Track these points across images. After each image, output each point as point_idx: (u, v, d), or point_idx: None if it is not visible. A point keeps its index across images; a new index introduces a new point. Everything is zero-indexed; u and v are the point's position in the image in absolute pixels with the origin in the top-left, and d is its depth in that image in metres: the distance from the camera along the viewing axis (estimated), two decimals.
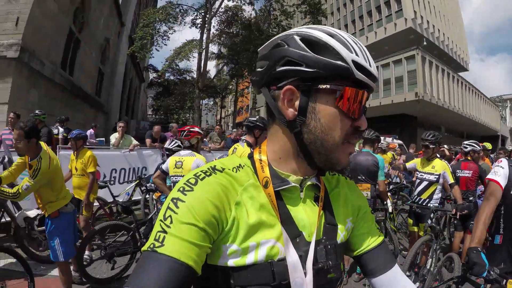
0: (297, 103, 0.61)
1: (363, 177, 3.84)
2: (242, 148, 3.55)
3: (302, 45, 0.59)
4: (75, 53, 12.55)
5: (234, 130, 6.95)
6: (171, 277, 0.50)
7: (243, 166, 0.66)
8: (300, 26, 0.65)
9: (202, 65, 16.40)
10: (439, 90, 26.47)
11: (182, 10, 15.93)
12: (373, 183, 3.86)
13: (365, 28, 33.45)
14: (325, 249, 0.65)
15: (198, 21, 16.39)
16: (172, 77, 22.82)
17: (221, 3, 16.56)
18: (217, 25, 17.48)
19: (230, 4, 16.76)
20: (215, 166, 0.64)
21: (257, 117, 3.72)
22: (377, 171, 3.81)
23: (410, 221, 3.92)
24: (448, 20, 38.82)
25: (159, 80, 23.88)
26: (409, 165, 4.44)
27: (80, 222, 3.78)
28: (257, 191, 0.63)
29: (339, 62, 0.58)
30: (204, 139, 7.70)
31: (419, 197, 3.86)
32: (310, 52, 0.58)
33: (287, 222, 0.62)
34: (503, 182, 1.87)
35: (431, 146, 3.79)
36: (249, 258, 0.58)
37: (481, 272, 1.52)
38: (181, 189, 0.59)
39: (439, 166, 3.79)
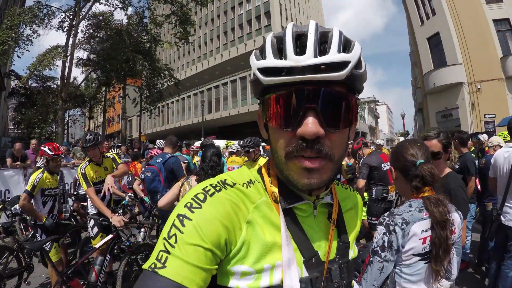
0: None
1: None
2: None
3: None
4: None
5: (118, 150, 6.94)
6: None
7: (254, 182, 0.63)
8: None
9: (66, 74, 14.95)
10: None
11: (49, 12, 14.68)
12: None
13: (236, 39, 36.42)
14: (339, 268, 0.63)
15: (66, 24, 14.97)
16: (35, 84, 19.58)
17: (91, 6, 15.52)
18: (85, 29, 16.21)
19: (102, 8, 15.96)
20: (225, 180, 0.61)
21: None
22: None
23: None
24: None
25: (21, 90, 20.00)
26: None
27: None
28: (269, 209, 0.59)
29: (256, 75, 0.54)
30: (67, 155, 7.66)
31: None
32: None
33: (301, 241, 0.59)
34: None
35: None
36: (264, 281, 0.54)
37: None
38: (189, 205, 0.54)
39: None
